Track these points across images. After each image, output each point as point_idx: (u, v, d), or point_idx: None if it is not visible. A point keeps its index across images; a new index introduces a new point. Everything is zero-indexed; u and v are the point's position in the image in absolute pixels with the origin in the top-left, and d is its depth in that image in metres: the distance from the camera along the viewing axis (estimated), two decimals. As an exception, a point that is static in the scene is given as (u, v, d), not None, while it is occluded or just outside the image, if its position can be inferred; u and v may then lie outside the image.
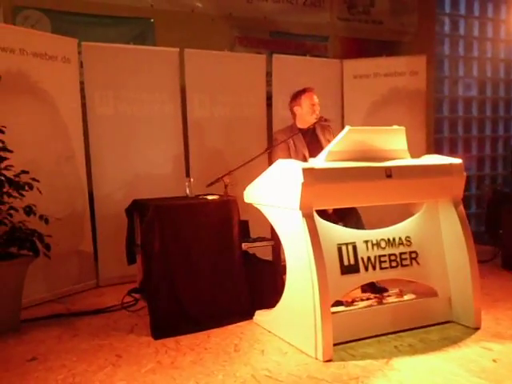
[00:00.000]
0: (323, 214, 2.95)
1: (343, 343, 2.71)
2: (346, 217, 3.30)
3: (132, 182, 4.21)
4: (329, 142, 3.38)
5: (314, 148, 3.49)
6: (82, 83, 4.13)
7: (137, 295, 3.55)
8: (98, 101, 4.14)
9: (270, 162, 3.54)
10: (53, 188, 3.75)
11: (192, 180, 3.44)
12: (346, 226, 3.09)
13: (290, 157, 3.48)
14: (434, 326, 2.97)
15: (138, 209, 3.35)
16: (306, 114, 3.61)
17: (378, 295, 3.04)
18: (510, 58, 7.31)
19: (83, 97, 4.13)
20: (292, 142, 3.57)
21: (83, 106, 4.13)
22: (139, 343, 2.87)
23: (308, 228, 2.59)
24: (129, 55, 4.26)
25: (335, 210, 3.31)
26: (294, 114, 3.69)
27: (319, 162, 2.82)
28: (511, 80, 7.40)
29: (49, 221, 3.22)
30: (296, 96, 3.65)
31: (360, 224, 3.29)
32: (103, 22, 4.92)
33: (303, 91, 3.62)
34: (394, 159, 2.95)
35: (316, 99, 3.59)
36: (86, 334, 3.06)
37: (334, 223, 2.97)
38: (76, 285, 3.96)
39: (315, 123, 3.58)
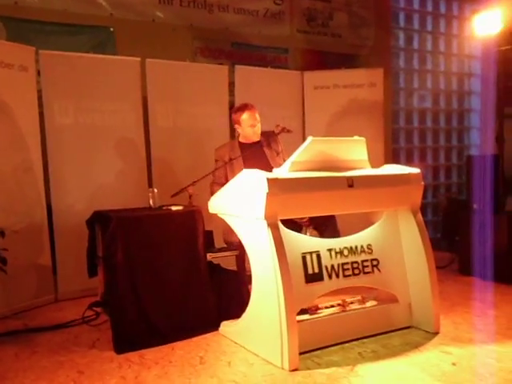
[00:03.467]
0: (289, 222, 2.97)
1: (308, 352, 2.74)
2: (324, 225, 3.30)
3: (93, 193, 4.12)
4: (276, 152, 3.42)
5: (258, 161, 3.35)
6: (40, 92, 4.03)
7: (98, 309, 3.46)
8: (56, 110, 4.05)
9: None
10: (10, 200, 3.65)
11: (156, 191, 3.40)
12: (323, 235, 3.12)
13: (225, 175, 3.45)
14: (396, 332, 3.04)
15: (99, 220, 3.27)
16: (246, 134, 3.53)
17: (340, 302, 3.08)
18: (461, 72, 7.62)
19: (41, 106, 4.03)
20: (229, 159, 3.46)
21: (41, 115, 4.03)
22: (102, 358, 2.80)
23: (273, 237, 2.61)
24: (89, 64, 4.18)
25: (313, 219, 3.28)
26: (235, 129, 3.61)
27: (283, 172, 2.85)
28: (464, 92, 7.71)
29: (5, 234, 3.11)
30: (235, 113, 3.52)
31: (336, 233, 3.29)
32: (61, 30, 4.81)
33: (242, 110, 3.48)
34: (355, 169, 3.02)
35: (257, 117, 3.46)
36: (46, 350, 2.95)
37: (298, 231, 3.02)
38: (34, 299, 3.83)
39: (278, 133, 3.52)
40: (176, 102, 4.56)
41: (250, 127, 3.49)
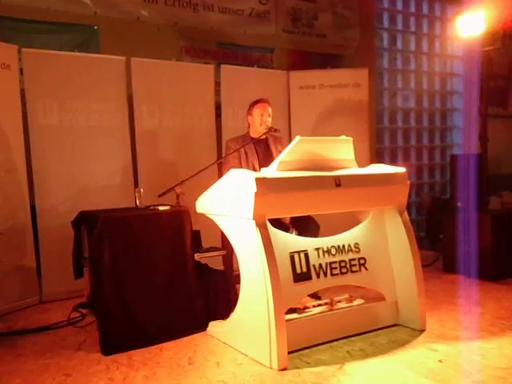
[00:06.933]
0: (277, 222, 2.98)
1: (297, 351, 2.75)
2: (304, 226, 3.33)
3: (78, 194, 4.07)
4: (280, 152, 3.44)
5: (265, 158, 3.57)
6: (22, 91, 3.97)
7: (84, 310, 3.42)
8: (40, 110, 3.98)
9: (221, 171, 3.56)
10: (-8, 201, 3.58)
11: (142, 190, 3.37)
12: (303, 235, 3.12)
13: (240, 166, 3.52)
14: (383, 330, 3.07)
15: (85, 221, 3.24)
16: (256, 125, 3.67)
17: (328, 301, 3.10)
18: (444, 72, 7.72)
19: (24, 105, 3.97)
20: (243, 151, 3.61)
21: (24, 114, 3.96)
22: (89, 360, 2.77)
23: (262, 237, 2.61)
24: (73, 63, 4.13)
25: (293, 220, 3.35)
26: (248, 123, 3.75)
27: (271, 171, 2.85)
28: (446, 92, 7.81)
29: (-12, 235, 3.06)
30: (250, 106, 3.72)
31: (317, 233, 3.33)
32: (45, 28, 4.75)
33: (256, 102, 3.69)
34: (342, 168, 3.04)
35: (269, 110, 3.65)
36: (31, 353, 2.91)
37: (286, 231, 3.02)
38: (18, 301, 3.77)
39: (265, 133, 3.64)
40: (162, 102, 4.52)
41: (259, 116, 3.64)
